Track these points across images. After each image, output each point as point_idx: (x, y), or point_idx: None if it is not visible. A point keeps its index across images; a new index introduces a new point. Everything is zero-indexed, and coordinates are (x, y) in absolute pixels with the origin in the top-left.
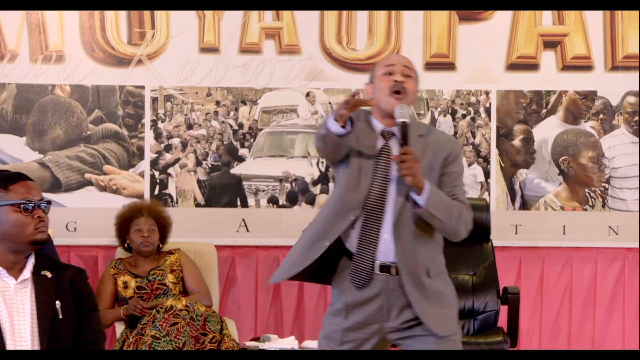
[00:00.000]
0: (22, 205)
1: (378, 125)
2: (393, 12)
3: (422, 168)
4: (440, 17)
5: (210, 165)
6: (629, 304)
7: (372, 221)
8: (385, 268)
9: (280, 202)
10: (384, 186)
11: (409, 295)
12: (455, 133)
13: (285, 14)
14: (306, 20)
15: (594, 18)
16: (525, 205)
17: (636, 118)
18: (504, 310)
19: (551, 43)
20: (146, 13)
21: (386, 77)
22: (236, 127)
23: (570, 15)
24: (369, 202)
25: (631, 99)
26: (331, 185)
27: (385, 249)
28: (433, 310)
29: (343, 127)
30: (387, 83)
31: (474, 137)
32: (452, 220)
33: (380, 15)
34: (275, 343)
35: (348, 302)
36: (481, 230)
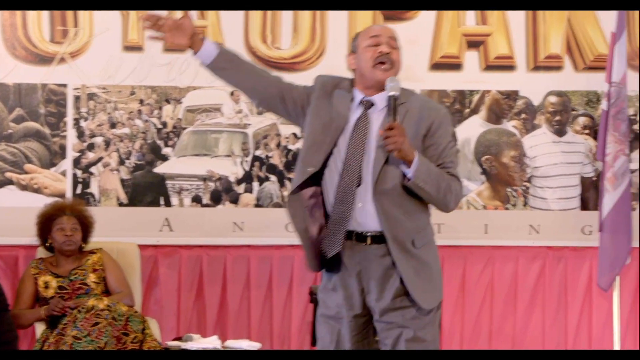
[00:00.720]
0: None
1: (358, 94)
2: (318, 12)
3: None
4: (365, 16)
5: (133, 164)
6: (549, 302)
7: (346, 190)
8: (360, 237)
9: (204, 201)
10: (359, 156)
11: (398, 265)
12: None
13: (210, 13)
14: (231, 19)
15: (517, 18)
16: None
17: (557, 118)
18: None
19: (474, 43)
20: (69, 11)
21: (371, 49)
22: (160, 126)
23: (493, 15)
24: (344, 172)
25: (552, 99)
26: (255, 184)
27: (363, 219)
28: (420, 282)
29: (195, 52)
30: (373, 54)
31: None
32: (440, 193)
33: (305, 14)
34: (198, 343)
35: (332, 277)
36: None
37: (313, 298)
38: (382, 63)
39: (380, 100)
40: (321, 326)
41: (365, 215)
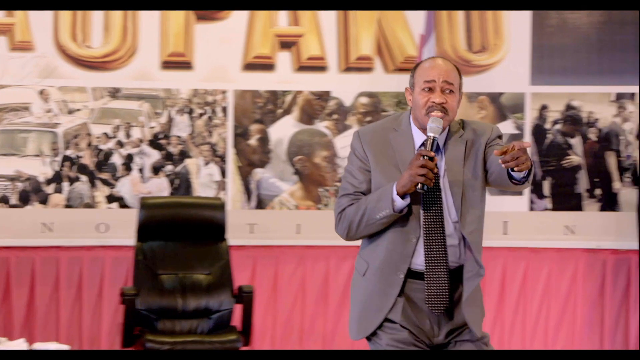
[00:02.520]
0: None
1: (418, 135)
2: (130, 11)
3: (469, 166)
4: (177, 16)
5: None
6: None
7: (435, 236)
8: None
9: (12, 202)
10: (438, 197)
11: (463, 296)
12: (192, 132)
13: (18, 11)
14: (40, 17)
15: (328, 19)
16: (260, 204)
17: (368, 118)
18: (238, 309)
19: (287, 44)
20: None
21: (425, 94)
22: None
23: (305, 16)
24: (427, 220)
25: (364, 100)
26: (65, 184)
27: (453, 257)
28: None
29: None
30: (426, 102)
31: (210, 136)
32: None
33: (117, 13)
34: (4, 345)
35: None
36: (217, 229)
37: (124, 299)
38: (438, 113)
39: (440, 140)
40: None
41: (454, 253)
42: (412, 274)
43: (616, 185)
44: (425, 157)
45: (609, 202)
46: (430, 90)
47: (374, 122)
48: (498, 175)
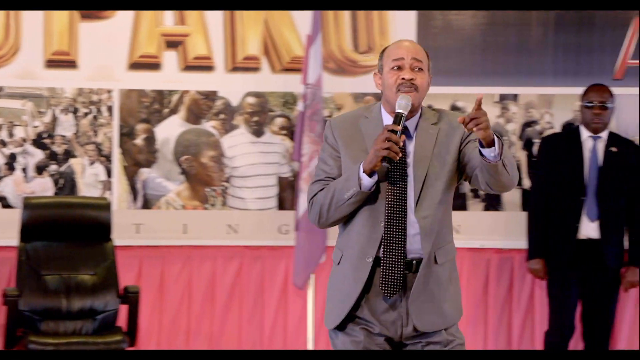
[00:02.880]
0: None
1: (388, 120)
2: (12, 11)
3: (437, 155)
4: (61, 14)
5: None
6: (246, 301)
7: (396, 216)
8: (410, 266)
9: None
10: (404, 184)
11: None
12: (77, 131)
13: None
14: None
15: (215, 19)
16: (147, 204)
17: (255, 118)
18: (124, 309)
19: (173, 43)
20: None
21: (395, 73)
22: None
23: (192, 15)
24: (389, 199)
25: (250, 100)
26: None
27: (411, 246)
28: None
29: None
30: (396, 80)
31: (96, 135)
32: (515, 169)
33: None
34: None
35: (373, 310)
36: (102, 230)
37: (7, 300)
38: (407, 88)
39: (411, 125)
40: None
41: (412, 242)
42: (379, 261)
43: None
44: (390, 131)
45: (493, 202)
46: (400, 68)
47: (346, 112)
48: (479, 166)
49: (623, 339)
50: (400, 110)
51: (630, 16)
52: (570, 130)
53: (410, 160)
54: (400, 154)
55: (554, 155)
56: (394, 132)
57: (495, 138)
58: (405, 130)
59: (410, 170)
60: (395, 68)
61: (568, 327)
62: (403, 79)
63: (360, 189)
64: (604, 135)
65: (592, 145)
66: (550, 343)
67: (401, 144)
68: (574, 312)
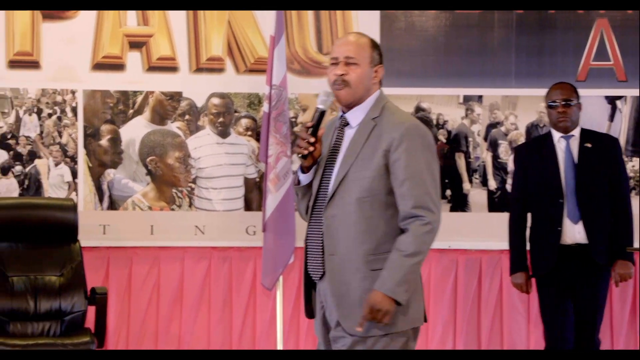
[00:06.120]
0: None
1: (341, 113)
2: None
3: (363, 155)
4: (23, 15)
5: None
6: (215, 302)
7: (317, 205)
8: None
9: None
10: (325, 181)
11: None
12: (42, 132)
13: None
14: None
15: (178, 19)
16: (113, 205)
17: (221, 119)
18: (92, 310)
19: (137, 44)
20: None
21: (331, 68)
22: None
23: (155, 16)
24: (314, 200)
25: (215, 100)
26: None
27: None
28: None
29: (310, 167)
30: (332, 76)
31: (60, 136)
32: (419, 266)
33: None
34: None
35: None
36: (68, 231)
37: None
38: (338, 86)
39: (352, 118)
40: None
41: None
42: None
43: (466, 186)
44: (304, 128)
45: (459, 203)
46: (335, 65)
47: None
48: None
49: (622, 339)
50: (320, 106)
51: (593, 17)
52: (541, 135)
53: (340, 157)
54: (307, 151)
55: (529, 161)
56: (307, 128)
57: (396, 297)
58: (347, 125)
59: (336, 167)
60: (332, 64)
61: (565, 341)
62: (335, 74)
63: (298, 184)
64: (576, 133)
65: (565, 145)
66: None
67: (312, 139)
68: (570, 324)
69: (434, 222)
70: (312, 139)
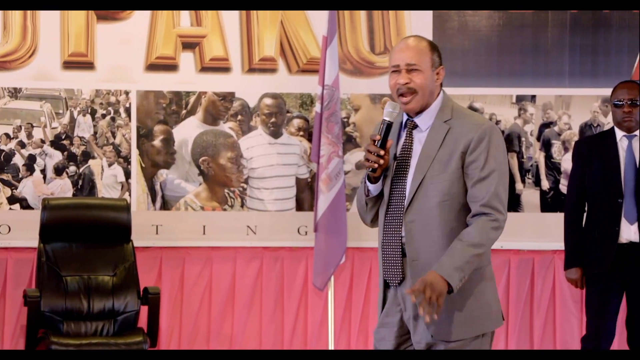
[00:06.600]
0: None
1: (404, 117)
2: (29, 11)
3: (440, 158)
4: (78, 16)
5: None
6: (266, 302)
7: (392, 224)
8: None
9: None
10: (401, 187)
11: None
12: (96, 133)
13: None
14: None
15: (231, 20)
16: (165, 206)
17: (273, 119)
18: (144, 310)
19: (190, 44)
20: None
21: (393, 76)
22: None
23: (208, 16)
24: (388, 208)
25: (268, 101)
26: None
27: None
28: None
29: (378, 178)
30: (394, 84)
31: (114, 137)
32: (480, 259)
33: (16, 12)
34: None
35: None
36: (122, 231)
37: (28, 301)
38: (402, 95)
39: (421, 121)
40: None
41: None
42: None
43: (519, 186)
44: (372, 142)
45: (512, 204)
46: (397, 73)
47: None
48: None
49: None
50: (386, 118)
51: None
52: (603, 132)
53: (414, 161)
54: (377, 165)
55: (589, 157)
56: (374, 141)
57: (452, 283)
58: (415, 127)
59: (411, 172)
60: (394, 72)
61: (607, 332)
62: (398, 83)
63: (368, 195)
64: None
65: (627, 145)
66: (586, 348)
67: (382, 152)
68: (615, 317)
69: (502, 221)
70: (382, 152)
